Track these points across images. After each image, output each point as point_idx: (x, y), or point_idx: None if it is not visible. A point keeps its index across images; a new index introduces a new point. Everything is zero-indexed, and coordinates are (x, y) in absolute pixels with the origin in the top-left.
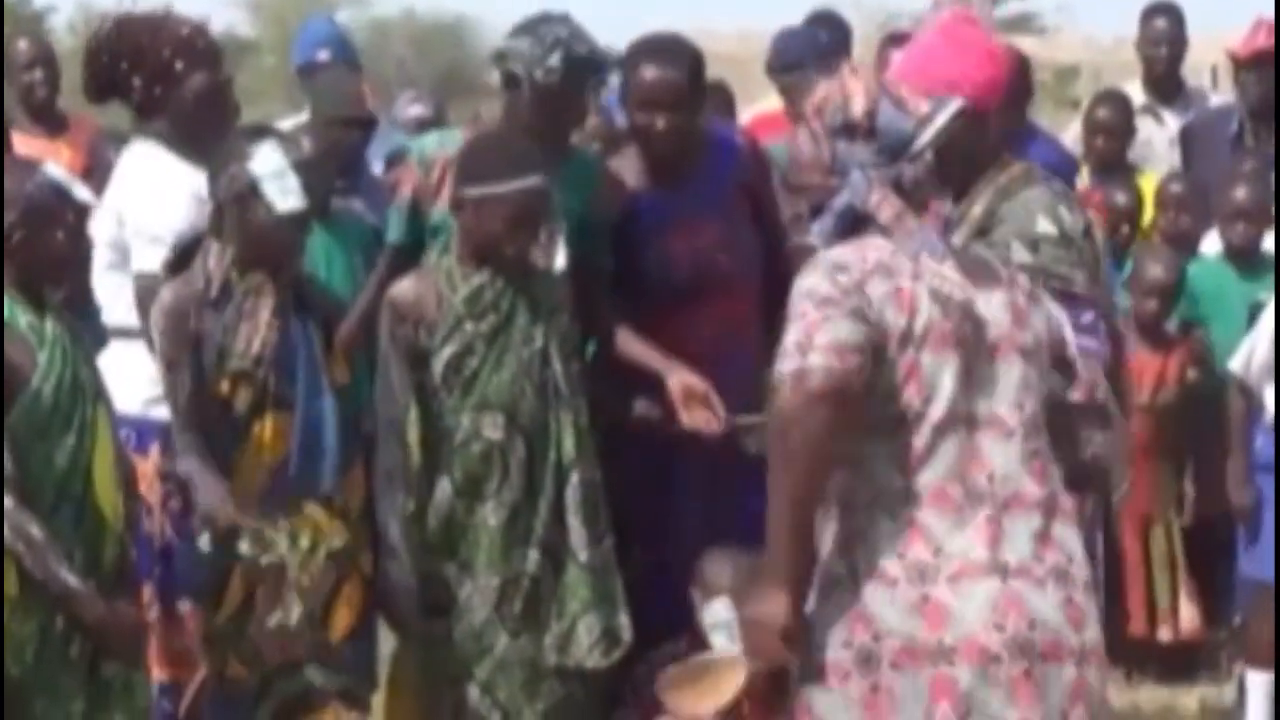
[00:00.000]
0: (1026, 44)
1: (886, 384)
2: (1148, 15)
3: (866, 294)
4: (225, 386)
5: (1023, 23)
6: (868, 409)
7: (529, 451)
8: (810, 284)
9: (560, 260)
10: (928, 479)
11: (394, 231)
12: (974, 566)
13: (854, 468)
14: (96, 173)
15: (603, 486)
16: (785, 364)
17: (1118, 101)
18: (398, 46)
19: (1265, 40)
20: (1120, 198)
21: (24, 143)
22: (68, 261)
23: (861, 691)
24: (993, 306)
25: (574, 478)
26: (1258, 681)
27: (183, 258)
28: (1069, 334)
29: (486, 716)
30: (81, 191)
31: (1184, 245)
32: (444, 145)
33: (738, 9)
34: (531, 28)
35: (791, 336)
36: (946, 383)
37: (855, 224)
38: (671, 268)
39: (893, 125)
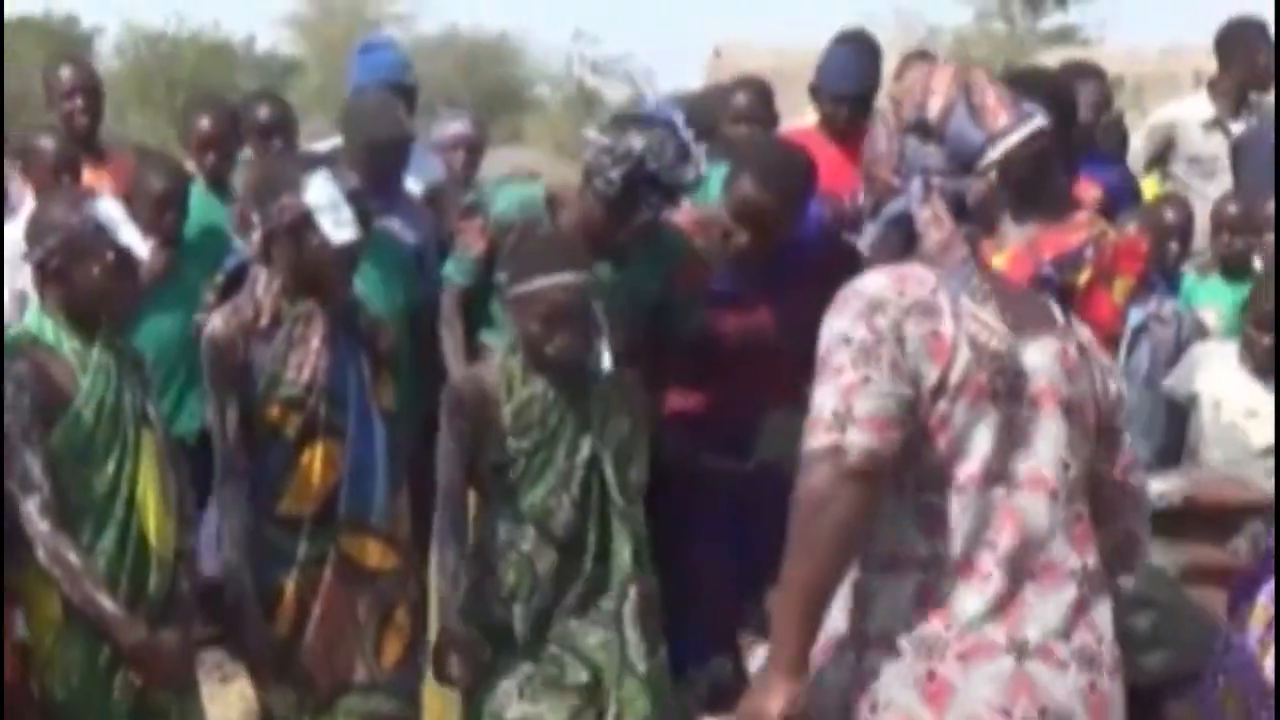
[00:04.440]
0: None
1: (913, 437)
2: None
3: (903, 339)
4: (275, 413)
5: (1066, 35)
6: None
7: (560, 560)
8: (845, 327)
9: (606, 362)
10: (951, 544)
11: (464, 277)
12: (987, 644)
13: (873, 524)
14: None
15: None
16: (821, 436)
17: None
18: (441, 64)
19: None
20: (1169, 215)
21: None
22: (105, 298)
23: None
24: (1040, 355)
25: (632, 591)
26: None
27: (231, 285)
28: (1119, 396)
29: None
30: (129, 234)
31: (1238, 268)
32: (522, 209)
33: (771, 24)
34: (621, 125)
35: (828, 399)
36: (982, 440)
37: (907, 237)
38: (720, 342)
39: (962, 134)
